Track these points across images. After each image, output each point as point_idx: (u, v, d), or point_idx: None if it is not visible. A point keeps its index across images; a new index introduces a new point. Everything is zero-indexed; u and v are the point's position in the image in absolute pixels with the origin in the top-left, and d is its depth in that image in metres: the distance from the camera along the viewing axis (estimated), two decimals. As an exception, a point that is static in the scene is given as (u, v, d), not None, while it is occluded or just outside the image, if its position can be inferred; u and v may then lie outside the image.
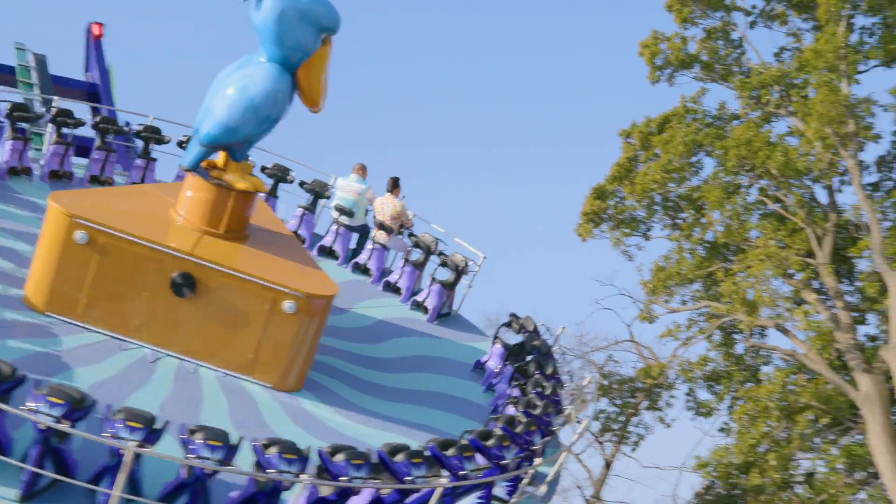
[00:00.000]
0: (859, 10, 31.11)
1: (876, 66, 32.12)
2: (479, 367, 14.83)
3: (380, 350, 14.42)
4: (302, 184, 18.21)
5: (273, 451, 8.72)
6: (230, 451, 8.60)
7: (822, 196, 32.08)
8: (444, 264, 16.44)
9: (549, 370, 13.90)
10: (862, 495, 33.35)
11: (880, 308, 30.87)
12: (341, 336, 14.18)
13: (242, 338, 11.90)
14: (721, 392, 34.06)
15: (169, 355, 11.84)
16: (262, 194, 17.35)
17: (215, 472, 8.52)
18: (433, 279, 16.44)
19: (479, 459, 10.25)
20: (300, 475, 8.70)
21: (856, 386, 29.33)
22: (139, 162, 17.39)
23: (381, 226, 17.11)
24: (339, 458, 9.00)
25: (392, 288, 16.71)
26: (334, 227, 17.39)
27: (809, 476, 32.74)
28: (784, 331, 30.82)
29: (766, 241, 30.19)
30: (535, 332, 14.90)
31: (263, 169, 17.84)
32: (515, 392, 13.33)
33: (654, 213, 34.58)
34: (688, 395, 34.52)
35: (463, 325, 16.89)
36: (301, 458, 8.81)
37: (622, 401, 35.69)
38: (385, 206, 17.32)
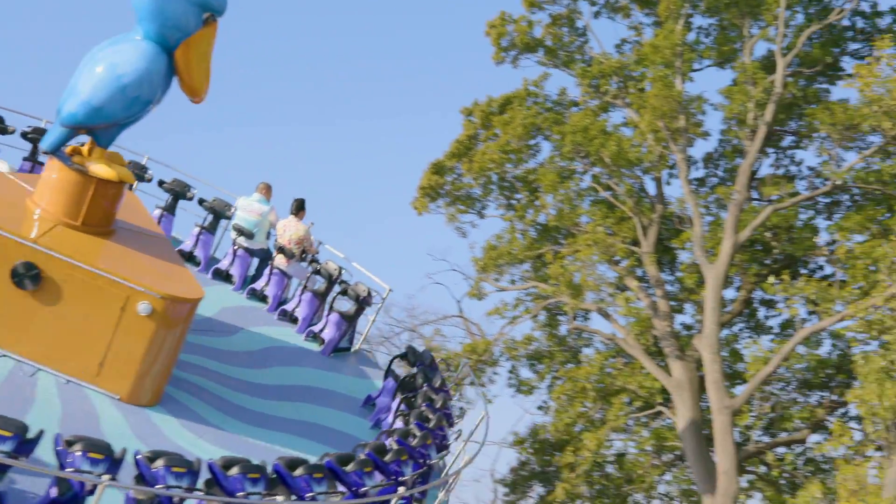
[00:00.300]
0: (698, 11, 32.16)
1: (709, 66, 33.36)
2: (370, 402, 13.54)
3: (259, 376, 13.16)
4: (161, 183, 16.78)
5: (159, 464, 7.91)
6: (113, 464, 7.77)
7: (650, 187, 33.17)
8: (344, 293, 15.16)
9: (437, 382, 13.07)
10: (668, 477, 34.86)
11: (697, 299, 32.15)
12: (219, 358, 13.04)
13: (90, 341, 10.54)
14: (542, 371, 34.84)
15: (5, 356, 10.48)
16: (158, 211, 16.56)
17: (95, 486, 7.39)
18: (331, 309, 15.11)
19: (377, 476, 9.64)
20: (192, 490, 7.96)
21: (669, 372, 30.46)
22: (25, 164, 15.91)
23: (282, 250, 15.80)
24: (234, 471, 8.28)
25: (289, 317, 15.42)
26: (232, 248, 16.12)
27: (620, 456, 33.97)
28: (606, 315, 31.72)
29: (594, 227, 30.99)
30: (432, 364, 13.75)
31: (161, 183, 16.70)
32: (402, 406, 12.39)
33: (489, 192, 34.97)
34: (510, 372, 35.19)
35: (363, 360, 15.60)
36: (191, 471, 8.06)
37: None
38: (287, 230, 15.97)
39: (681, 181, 31.53)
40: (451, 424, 12.28)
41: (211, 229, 16.61)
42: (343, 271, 15.70)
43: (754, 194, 32.52)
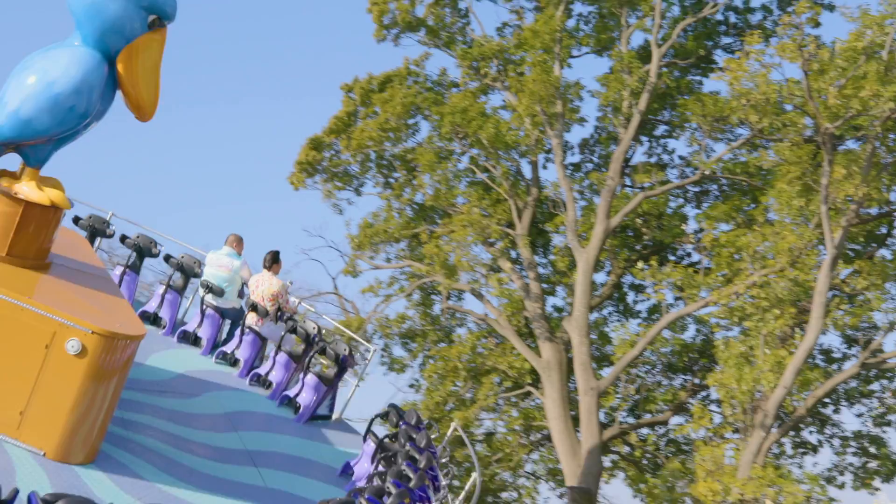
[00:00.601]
0: (578, -2, 32.61)
1: (587, 53, 33.88)
2: (348, 472, 12.00)
3: (222, 440, 11.68)
4: (123, 238, 15.20)
5: None
6: None
7: (527, 171, 33.54)
8: (323, 352, 13.66)
9: (423, 442, 11.62)
10: (535, 456, 35.47)
11: (568, 282, 32.72)
12: (175, 419, 11.50)
13: (8, 385, 8.81)
14: (415, 350, 34.98)
15: None
16: (120, 268, 15.04)
17: None
18: (308, 370, 13.56)
19: None
20: None
21: (539, 353, 30.92)
22: None
23: (255, 308, 14.29)
24: None
25: (262, 382, 13.89)
26: (201, 308, 14.62)
27: (489, 435, 34.38)
28: (479, 296, 32.01)
29: (470, 208, 31.18)
30: (419, 424, 12.32)
31: (124, 239, 15.33)
32: (379, 468, 11.10)
33: (367, 169, 34.87)
34: (383, 350, 35.23)
35: (344, 428, 14.05)
36: None
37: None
38: (261, 285, 14.46)
39: (556, 166, 31.95)
40: (437, 489, 10.90)
41: (178, 288, 15.04)
42: (323, 330, 14.39)
43: (627, 181, 33.21)
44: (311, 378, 13.44)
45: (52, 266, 10.05)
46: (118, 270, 15.08)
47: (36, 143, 9.53)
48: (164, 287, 14.92)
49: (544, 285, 33.13)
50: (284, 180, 34.83)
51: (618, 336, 31.04)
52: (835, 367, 31.79)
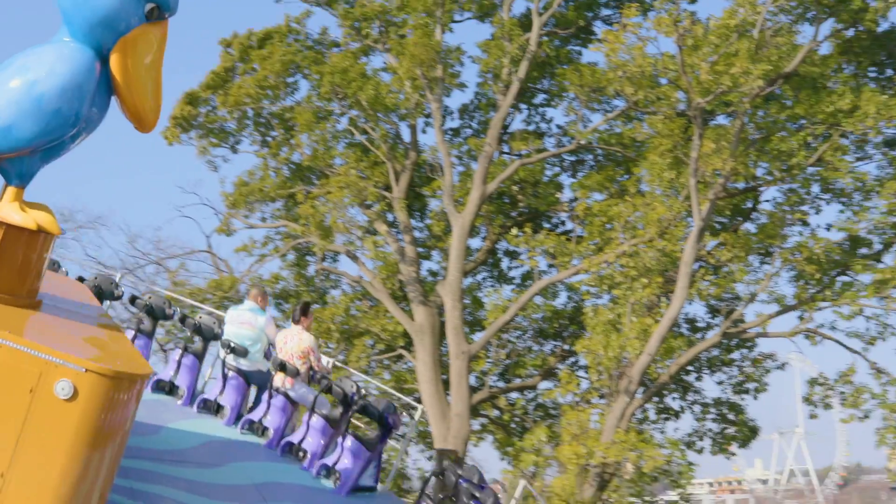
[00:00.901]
0: (462, -38, 32.51)
1: (469, 19, 33.82)
2: None
3: None
4: (134, 299, 13.94)
5: None
6: None
7: (406, 134, 33.46)
8: (363, 411, 12.02)
9: (489, 502, 10.57)
10: (405, 419, 35.65)
11: (443, 246, 32.88)
12: (194, 490, 10.15)
13: None
14: (288, 311, 34.72)
15: None
16: (131, 332, 13.60)
17: None
18: (347, 434, 11.95)
19: None
20: None
21: (412, 317, 31.04)
22: None
23: (284, 368, 12.59)
24: None
25: (295, 452, 12.26)
26: (222, 373, 13.06)
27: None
28: (354, 258, 31.91)
29: (347, 169, 30.98)
30: (481, 482, 11.06)
31: (134, 300, 14.16)
32: None
33: (244, 127, 34.31)
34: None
35: (392, 501, 12.62)
36: None
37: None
38: (289, 341, 12.86)
39: (435, 130, 31.94)
40: None
41: (197, 353, 13.52)
42: (360, 388, 12.54)
43: (505, 148, 33.46)
44: (350, 442, 11.80)
45: (41, 305, 8.11)
46: (129, 335, 13.50)
47: (17, 156, 7.82)
48: (180, 352, 13.39)
49: (420, 249, 33.21)
50: (158, 135, 34.01)
51: (490, 301, 31.41)
52: (699, 335, 32.81)
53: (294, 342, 12.85)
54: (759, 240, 29.82)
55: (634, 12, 26.99)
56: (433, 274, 34.52)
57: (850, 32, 29.66)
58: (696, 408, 33.90)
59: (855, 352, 30.35)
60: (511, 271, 36.02)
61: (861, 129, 27.43)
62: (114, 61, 7.83)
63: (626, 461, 25.16)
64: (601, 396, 29.07)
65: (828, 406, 31.92)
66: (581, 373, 31.95)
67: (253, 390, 13.39)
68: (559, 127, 35.02)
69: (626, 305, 26.64)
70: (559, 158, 34.04)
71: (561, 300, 33.94)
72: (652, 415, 34.05)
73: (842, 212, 30.54)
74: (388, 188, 32.24)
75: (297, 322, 13.07)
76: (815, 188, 30.57)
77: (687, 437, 33.31)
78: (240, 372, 13.08)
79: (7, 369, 6.65)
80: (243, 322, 13.13)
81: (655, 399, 33.05)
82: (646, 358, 26.06)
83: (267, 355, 13.30)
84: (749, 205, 32.12)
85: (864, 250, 29.96)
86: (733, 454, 34.91)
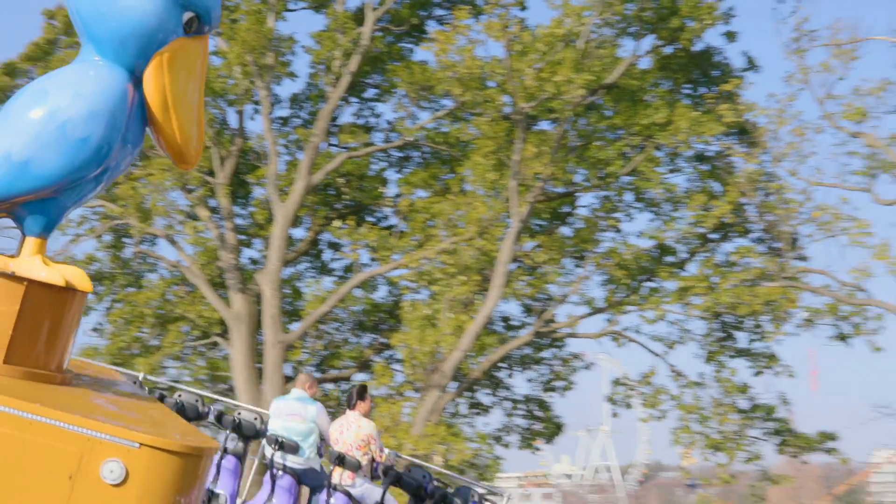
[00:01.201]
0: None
1: (304, 8, 33.66)
2: None
3: None
4: (162, 399, 12.15)
5: None
6: None
7: (233, 120, 33.07)
8: (443, 502, 10.62)
9: None
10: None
11: (265, 235, 32.68)
12: None
13: None
14: (102, 293, 33.84)
15: None
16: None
17: None
18: None
19: None
20: None
21: (229, 304, 30.78)
22: None
23: (341, 461, 11.07)
24: None
25: None
26: (270, 473, 11.39)
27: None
28: (173, 242, 31.37)
29: (171, 152, 30.38)
30: None
31: (163, 399, 12.44)
32: None
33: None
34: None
35: None
36: None
37: None
38: (346, 430, 11.33)
39: (263, 118, 31.73)
40: None
41: (238, 454, 11.89)
42: (431, 478, 11.24)
43: (333, 140, 33.53)
44: None
45: (72, 378, 6.34)
46: None
47: (37, 198, 6.00)
48: (219, 454, 11.55)
49: (241, 237, 32.93)
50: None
51: (310, 292, 31.48)
52: (513, 333, 33.71)
53: (352, 431, 11.34)
54: (573, 243, 30.94)
55: (466, 14, 27.55)
56: (254, 262, 34.31)
57: (669, 49, 31.04)
58: (507, 403, 34.84)
59: (657, 355, 31.83)
60: (333, 263, 36.13)
61: (673, 143, 28.80)
62: (148, 82, 5.98)
63: (435, 454, 25.71)
64: (416, 390, 29.56)
65: (629, 406, 33.34)
66: (397, 366, 32.38)
67: (306, 491, 11.82)
68: (388, 122, 35.29)
69: (442, 301, 27.20)
70: (386, 153, 34.36)
71: (381, 294, 34.32)
72: (463, 409, 34.80)
73: (652, 220, 32.02)
74: (211, 173, 31.82)
75: (352, 407, 11.58)
76: (629, 196, 31.94)
77: (496, 432, 34.19)
78: (290, 472, 11.40)
79: (36, 451, 4.90)
80: (291, 414, 11.53)
81: (467, 394, 33.79)
82: (459, 354, 26.68)
83: (320, 451, 11.76)
84: (566, 209, 33.21)
85: (670, 258, 31.47)
86: (539, 449, 36.06)
